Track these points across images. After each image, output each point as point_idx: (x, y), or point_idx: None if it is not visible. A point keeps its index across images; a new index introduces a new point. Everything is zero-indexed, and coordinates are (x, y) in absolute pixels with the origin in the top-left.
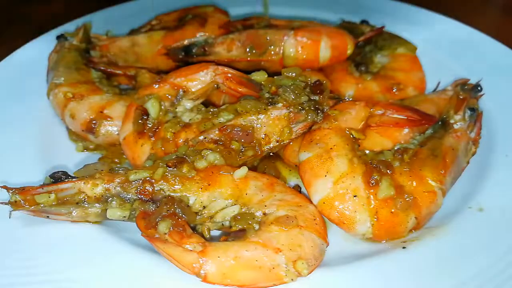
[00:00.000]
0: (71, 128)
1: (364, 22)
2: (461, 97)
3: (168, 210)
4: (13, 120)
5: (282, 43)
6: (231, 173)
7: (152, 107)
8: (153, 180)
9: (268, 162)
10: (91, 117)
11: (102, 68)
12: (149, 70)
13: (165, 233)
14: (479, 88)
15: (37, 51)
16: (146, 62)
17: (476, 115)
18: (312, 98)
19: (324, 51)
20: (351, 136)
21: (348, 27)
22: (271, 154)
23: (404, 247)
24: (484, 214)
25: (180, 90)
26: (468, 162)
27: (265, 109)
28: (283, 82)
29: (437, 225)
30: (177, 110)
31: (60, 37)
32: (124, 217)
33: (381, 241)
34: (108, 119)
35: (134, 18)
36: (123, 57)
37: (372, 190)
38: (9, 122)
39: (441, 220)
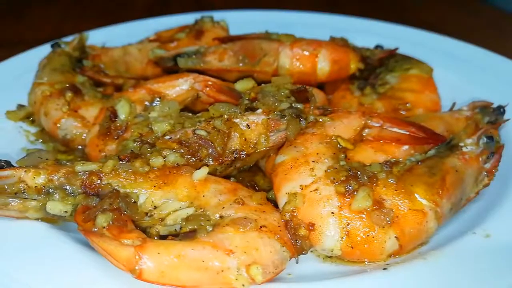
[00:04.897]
0: (45, 127)
1: (378, 47)
2: (478, 117)
3: (111, 204)
4: None
5: (277, 54)
6: (191, 173)
7: (121, 108)
8: (101, 174)
9: (247, 175)
10: (64, 115)
11: (90, 75)
12: (138, 80)
13: (104, 227)
14: (501, 110)
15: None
16: (136, 71)
17: (494, 145)
18: (294, 105)
19: (323, 64)
20: (338, 145)
21: (360, 51)
22: (251, 166)
23: (385, 268)
24: (489, 241)
25: (157, 97)
26: (477, 193)
27: (240, 113)
28: (266, 89)
29: (431, 249)
30: (149, 115)
31: (54, 45)
32: (66, 212)
33: (355, 260)
34: (80, 119)
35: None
36: (114, 66)
37: (347, 200)
38: None
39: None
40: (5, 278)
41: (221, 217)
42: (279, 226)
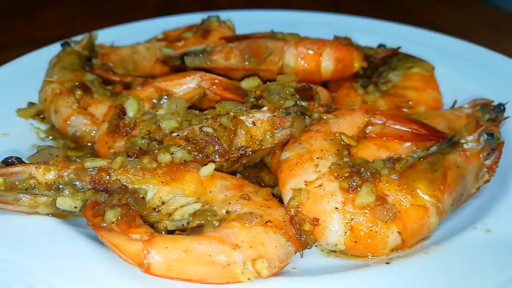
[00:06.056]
0: (55, 125)
1: (381, 46)
2: (479, 115)
3: (119, 200)
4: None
5: (282, 53)
6: (198, 169)
7: (130, 106)
8: (110, 170)
9: (253, 171)
10: (73, 112)
11: (99, 73)
12: (146, 78)
13: (112, 222)
14: (502, 108)
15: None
16: (144, 70)
17: (494, 142)
18: (299, 103)
19: (327, 62)
20: (342, 142)
21: (364, 50)
22: (257, 162)
23: (387, 262)
24: (490, 236)
25: (164, 95)
26: (478, 189)
27: (246, 110)
28: (272, 87)
29: (433, 243)
30: (157, 112)
31: (64, 44)
32: (76, 207)
33: (358, 254)
34: (89, 116)
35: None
36: (123, 65)
37: (350, 195)
38: None
39: (438, 239)
40: (18, 270)
41: (227, 212)
42: (284, 221)
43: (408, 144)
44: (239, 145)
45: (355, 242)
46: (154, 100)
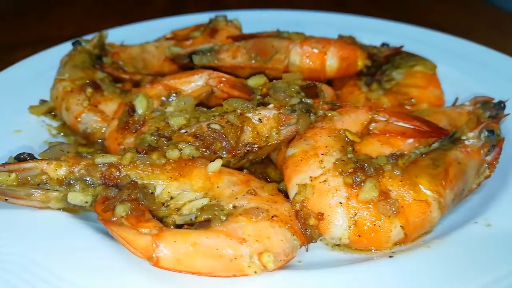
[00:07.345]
0: (66, 122)
1: (384, 45)
2: (480, 112)
3: (129, 195)
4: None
5: (288, 51)
6: (206, 165)
7: (139, 103)
8: (120, 166)
9: (259, 167)
10: (84, 109)
11: (109, 71)
12: (155, 76)
13: (122, 216)
14: (502, 105)
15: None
16: (153, 68)
17: (495, 138)
18: (304, 101)
19: (331, 61)
20: (346, 138)
21: (367, 49)
22: (263, 158)
23: (390, 256)
24: (490, 230)
25: (173, 92)
26: (479, 184)
27: (253, 108)
28: (278, 85)
29: (434, 237)
30: (166, 110)
31: (75, 43)
32: (86, 202)
33: (362, 248)
34: (99, 113)
35: (153, 36)
36: (133, 63)
37: (354, 191)
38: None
39: (440, 233)
40: (30, 263)
41: (234, 207)
42: (289, 216)
43: (410, 140)
44: (245, 141)
45: (359, 236)
46: (163, 98)
